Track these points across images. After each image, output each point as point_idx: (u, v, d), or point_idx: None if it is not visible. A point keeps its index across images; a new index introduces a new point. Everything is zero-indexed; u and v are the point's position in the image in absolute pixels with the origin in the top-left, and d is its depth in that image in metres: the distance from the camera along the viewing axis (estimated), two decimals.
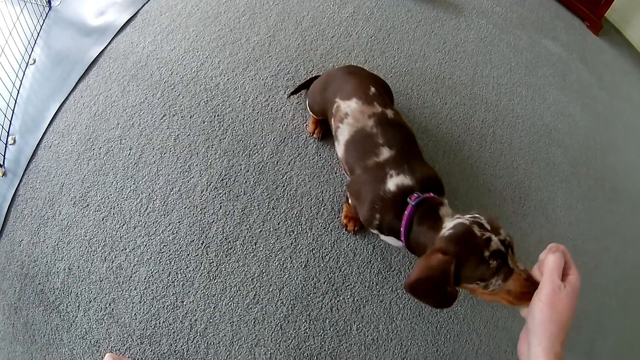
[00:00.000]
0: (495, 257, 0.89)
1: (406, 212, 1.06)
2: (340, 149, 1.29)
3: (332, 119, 1.36)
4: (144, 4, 1.98)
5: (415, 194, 1.07)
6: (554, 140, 2.00)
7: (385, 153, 1.17)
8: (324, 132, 1.65)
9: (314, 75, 1.72)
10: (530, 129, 1.99)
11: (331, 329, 1.41)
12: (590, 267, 1.73)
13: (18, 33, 1.97)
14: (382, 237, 1.21)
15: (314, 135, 1.65)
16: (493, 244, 0.89)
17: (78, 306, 1.42)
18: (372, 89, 1.32)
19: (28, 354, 1.38)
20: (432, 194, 1.08)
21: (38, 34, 2.07)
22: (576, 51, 2.43)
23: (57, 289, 1.44)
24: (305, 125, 1.72)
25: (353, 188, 1.24)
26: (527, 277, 0.88)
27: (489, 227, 0.91)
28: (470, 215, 0.95)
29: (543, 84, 2.19)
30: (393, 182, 1.11)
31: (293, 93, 1.74)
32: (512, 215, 1.73)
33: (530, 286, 0.84)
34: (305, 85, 1.72)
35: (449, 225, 0.97)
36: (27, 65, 1.93)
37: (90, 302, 1.42)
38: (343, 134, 1.26)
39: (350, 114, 1.26)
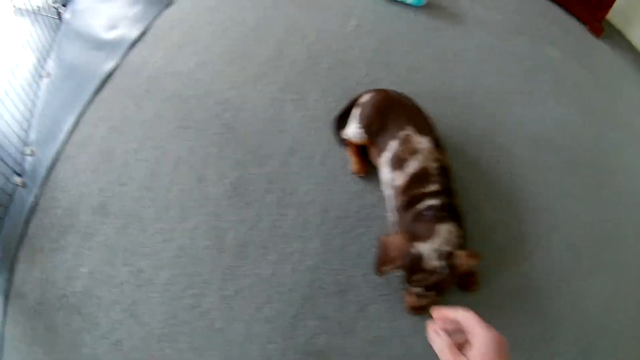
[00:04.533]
0: (411, 288, 1.46)
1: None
2: (401, 178, 1.63)
3: (394, 143, 1.71)
4: (154, 19, 2.26)
5: (431, 211, 1.53)
6: (553, 146, 2.21)
7: (433, 187, 1.57)
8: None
9: (353, 99, 1.98)
10: (530, 135, 2.21)
11: (337, 327, 1.65)
12: (592, 269, 1.93)
13: (31, 47, 2.23)
14: None
15: (361, 174, 1.91)
16: (413, 288, 1.47)
17: (99, 308, 1.65)
18: (435, 134, 1.71)
19: (49, 356, 1.61)
20: (445, 214, 1.52)
21: (51, 47, 2.32)
22: (576, 55, 2.63)
23: (79, 292, 1.68)
24: (312, 137, 1.98)
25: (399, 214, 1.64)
26: (414, 307, 1.55)
27: (428, 283, 1.42)
28: (435, 264, 1.41)
29: (542, 90, 2.41)
30: (425, 204, 1.54)
31: (339, 118, 2.02)
32: (509, 220, 1.95)
33: (408, 309, 1.58)
34: (348, 110, 1.98)
35: (424, 246, 1.43)
36: (41, 78, 2.20)
37: (111, 304, 1.66)
38: (409, 167, 1.62)
39: (421, 152, 1.63)
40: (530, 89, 2.37)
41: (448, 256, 1.40)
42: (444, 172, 1.63)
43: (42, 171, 1.93)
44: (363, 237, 1.81)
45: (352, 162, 1.91)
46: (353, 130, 1.83)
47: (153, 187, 1.85)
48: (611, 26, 2.91)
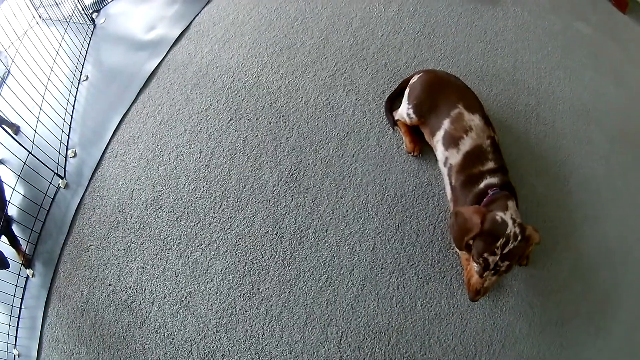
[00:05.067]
0: (484, 262, 1.58)
1: (485, 199, 1.70)
2: (457, 157, 1.82)
3: (446, 122, 1.89)
4: (195, 17, 2.49)
5: (495, 189, 1.71)
6: (592, 119, 2.39)
7: (489, 165, 1.77)
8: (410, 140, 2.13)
9: (404, 80, 2.18)
10: (570, 109, 2.39)
11: (397, 306, 1.79)
12: (635, 239, 2.10)
13: (65, 52, 2.42)
14: None
15: (414, 154, 2.08)
16: (490, 257, 1.58)
17: (152, 302, 1.79)
18: (484, 112, 1.89)
19: (95, 354, 1.74)
20: (506, 192, 1.70)
21: (86, 51, 2.58)
22: (606, 31, 2.86)
23: (130, 287, 1.82)
24: (365, 119, 2.19)
25: (455, 194, 1.83)
26: (478, 288, 1.66)
27: (505, 251, 1.58)
28: (516, 232, 1.58)
29: (578, 66, 2.61)
30: (484, 182, 1.74)
31: (391, 100, 2.22)
32: (557, 193, 2.11)
33: (481, 290, 1.68)
34: (398, 91, 2.19)
35: (503, 215, 1.60)
36: (79, 82, 2.39)
37: (165, 297, 1.79)
38: (465, 144, 1.81)
39: (474, 129, 1.82)
40: (567, 64, 2.56)
41: (522, 227, 1.55)
42: (497, 148, 1.80)
43: (87, 172, 2.10)
44: (420, 215, 1.96)
45: (405, 142, 2.06)
46: (404, 110, 1.98)
47: (208, 178, 2.00)
48: (635, 2, 3.18)
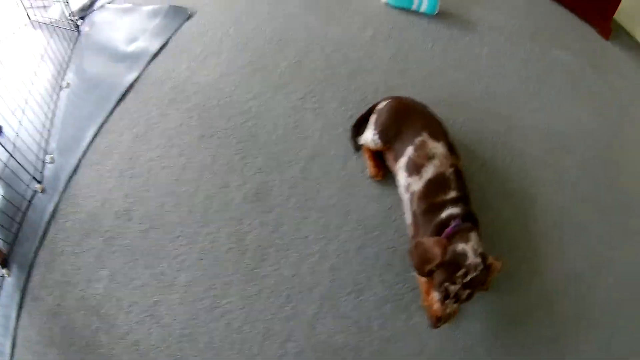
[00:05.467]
0: (445, 291, 1.56)
1: (447, 230, 1.66)
2: (419, 184, 1.80)
3: (410, 149, 1.89)
4: (175, 31, 2.48)
5: (457, 220, 1.67)
6: (564, 147, 2.38)
7: (452, 194, 1.75)
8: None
9: (371, 106, 2.17)
10: (541, 137, 2.38)
11: (355, 326, 1.78)
12: (602, 267, 2.08)
13: (50, 58, 2.41)
14: None
15: (377, 178, 2.05)
16: (451, 287, 1.55)
17: (120, 309, 1.77)
18: (449, 139, 1.87)
19: (65, 356, 1.73)
20: (469, 223, 1.67)
21: (70, 58, 2.54)
22: (586, 58, 2.82)
23: (99, 294, 1.80)
24: (331, 143, 2.14)
25: (415, 220, 1.78)
26: (439, 316, 1.60)
27: (465, 280, 1.55)
28: (476, 262, 1.56)
29: (554, 93, 2.59)
30: (446, 212, 1.70)
31: (358, 124, 2.21)
32: (522, 218, 2.10)
33: (443, 318, 1.61)
34: (365, 117, 2.17)
35: (464, 246, 1.60)
36: (61, 89, 2.37)
37: (131, 306, 1.78)
38: (427, 172, 1.79)
39: (437, 156, 1.80)
40: (542, 91, 2.55)
41: (483, 257, 1.56)
42: (460, 177, 1.78)
43: (63, 178, 2.07)
44: (380, 239, 1.95)
45: (369, 166, 2.07)
46: (370, 136, 1.99)
47: (177, 193, 1.99)
48: (619, 27, 3.11)
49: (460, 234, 1.62)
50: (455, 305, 1.58)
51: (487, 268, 1.56)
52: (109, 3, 2.70)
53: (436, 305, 1.59)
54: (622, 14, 3.00)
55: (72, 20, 2.63)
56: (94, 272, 1.86)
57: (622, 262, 2.08)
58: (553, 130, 2.37)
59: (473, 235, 1.63)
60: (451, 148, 1.84)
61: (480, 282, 1.56)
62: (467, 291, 1.54)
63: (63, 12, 2.57)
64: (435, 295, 1.59)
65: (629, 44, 3.02)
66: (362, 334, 1.78)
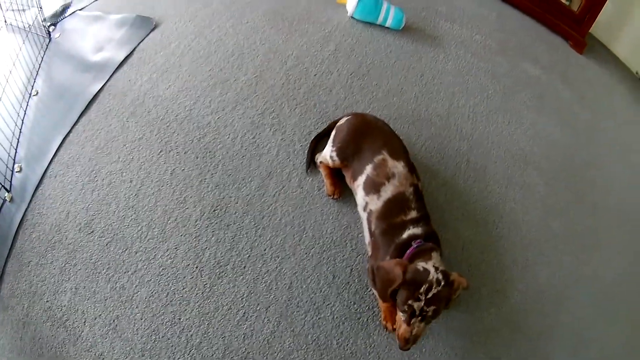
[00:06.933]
0: (410, 309, 1.34)
1: (408, 252, 1.46)
2: (377, 203, 1.59)
3: (369, 167, 1.66)
4: (140, 42, 2.16)
5: (419, 241, 1.47)
6: (529, 163, 2.17)
7: (412, 214, 1.53)
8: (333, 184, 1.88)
9: (331, 122, 1.94)
10: (505, 154, 2.17)
11: (313, 344, 1.60)
12: (569, 281, 1.91)
13: (21, 64, 2.14)
14: None
15: (334, 197, 1.83)
16: (415, 304, 1.34)
17: (84, 322, 1.58)
18: (409, 159, 1.66)
19: None
20: (431, 243, 1.49)
21: (40, 65, 2.21)
22: (557, 71, 2.58)
23: (64, 306, 1.61)
24: (289, 160, 1.92)
25: (374, 240, 1.59)
26: (407, 337, 1.38)
27: (429, 296, 1.33)
28: (438, 278, 1.35)
29: (520, 108, 2.36)
30: (407, 233, 1.50)
31: (316, 141, 1.96)
32: (485, 237, 1.91)
33: (411, 339, 1.38)
34: (324, 133, 1.94)
35: (424, 264, 1.38)
36: (30, 96, 2.11)
37: (95, 319, 1.59)
38: (386, 191, 1.57)
39: (397, 176, 1.58)
40: (508, 107, 2.33)
41: (445, 273, 1.37)
42: (420, 196, 1.59)
43: (30, 188, 1.85)
44: (337, 257, 1.75)
45: (326, 184, 1.85)
46: (328, 153, 1.77)
47: (136, 208, 1.78)
48: (595, 40, 2.85)
49: (421, 254, 1.44)
50: (422, 325, 1.39)
51: (450, 284, 1.37)
52: (80, 10, 2.34)
53: (403, 327, 1.40)
54: (599, 27, 2.76)
55: (44, 26, 2.36)
56: (59, 284, 1.64)
57: (590, 278, 1.91)
58: (519, 147, 2.19)
59: (435, 255, 1.45)
60: (411, 167, 1.65)
61: (445, 299, 1.37)
62: (432, 307, 1.34)
63: (37, 17, 2.33)
64: (401, 316, 1.41)
65: (605, 57, 2.81)
66: (321, 352, 1.59)
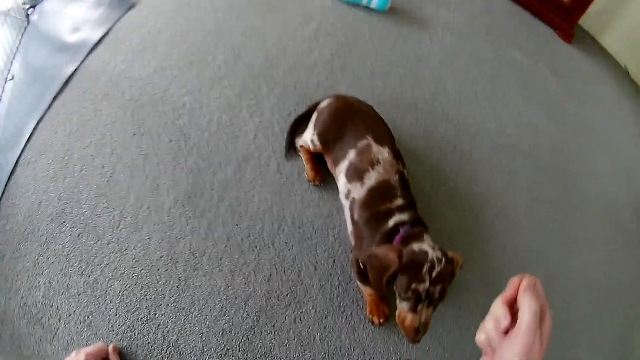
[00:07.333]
0: (415, 294, 1.13)
1: (397, 237, 1.27)
2: (360, 191, 1.39)
3: (352, 153, 1.45)
4: (116, 22, 1.93)
5: (406, 227, 1.29)
6: (516, 150, 1.99)
7: (398, 202, 1.34)
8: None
9: (312, 104, 1.72)
10: (492, 140, 1.99)
11: (295, 339, 1.44)
12: (554, 272, 1.74)
13: None
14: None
15: (315, 183, 1.65)
16: (420, 286, 1.12)
17: (59, 319, 1.43)
18: (395, 144, 1.47)
19: None
20: (419, 227, 1.32)
21: (17, 49, 1.98)
22: (544, 60, 2.39)
23: (39, 302, 1.45)
24: (267, 143, 1.68)
25: (357, 229, 1.40)
26: (417, 326, 1.14)
27: (433, 275, 1.12)
28: (438, 255, 1.15)
29: (506, 94, 2.17)
30: (393, 220, 1.31)
31: (296, 124, 1.74)
32: (471, 225, 1.73)
33: (420, 329, 1.14)
34: (305, 116, 1.73)
35: (420, 245, 1.19)
36: (5, 81, 1.91)
37: (70, 315, 1.43)
38: (370, 179, 1.38)
39: (382, 162, 1.39)
40: (495, 93, 2.13)
41: (442, 251, 1.20)
42: (406, 184, 1.42)
43: (4, 177, 1.65)
44: (319, 247, 1.58)
45: (307, 169, 1.60)
46: (309, 136, 1.53)
47: (108, 195, 1.60)
48: (583, 31, 2.69)
49: (412, 238, 1.25)
50: (429, 310, 1.17)
51: (450, 261, 1.18)
52: None
53: (409, 317, 1.18)
54: (588, 19, 2.58)
55: (24, 9, 2.11)
56: (33, 278, 1.47)
57: (579, 270, 1.73)
58: (506, 133, 1.99)
59: (427, 236, 1.27)
60: (397, 154, 1.46)
61: (448, 277, 1.17)
62: (439, 287, 1.14)
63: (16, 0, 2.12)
64: (404, 306, 1.19)
65: (593, 49, 2.62)
66: (304, 348, 1.41)
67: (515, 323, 0.64)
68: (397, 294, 1.21)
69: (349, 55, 2.07)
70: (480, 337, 0.71)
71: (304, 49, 2.05)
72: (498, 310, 0.68)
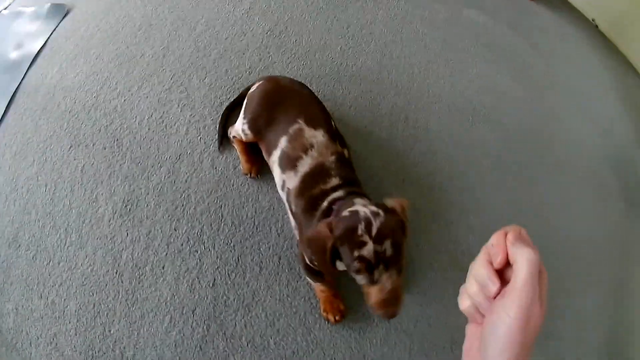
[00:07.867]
0: (361, 261, 0.90)
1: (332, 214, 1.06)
2: (295, 180, 1.19)
3: (284, 140, 1.23)
4: (52, 32, 1.68)
5: (341, 201, 1.08)
6: (479, 118, 1.72)
7: (333, 181, 1.13)
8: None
9: (245, 88, 1.50)
10: (450, 108, 1.72)
11: (249, 346, 1.27)
12: (535, 242, 1.42)
13: None
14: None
15: (252, 175, 1.45)
16: (364, 250, 0.90)
17: (30, 343, 1.31)
18: (333, 123, 1.27)
19: None
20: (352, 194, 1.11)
21: None
22: (505, 18, 2.07)
23: (11, 328, 1.33)
24: (199, 138, 1.43)
25: (298, 221, 1.20)
26: (384, 298, 0.90)
27: (373, 233, 0.90)
28: (373, 210, 0.94)
29: (464, 57, 1.89)
30: (328, 200, 1.10)
31: (228, 112, 1.52)
32: (434, 205, 1.50)
33: (390, 300, 0.90)
34: (236, 103, 1.51)
35: (349, 209, 0.97)
36: None
37: (38, 339, 1.31)
38: (304, 165, 1.17)
39: (316, 146, 1.18)
40: (450, 56, 1.84)
41: (378, 204, 0.99)
42: (344, 164, 1.20)
43: None
44: (262, 245, 1.40)
45: (242, 162, 1.38)
46: (240, 126, 1.30)
47: (53, 214, 1.46)
48: None
49: (344, 207, 1.01)
50: (393, 275, 0.92)
51: (391, 211, 0.96)
52: (5, 10, 1.79)
53: (372, 291, 0.94)
54: None
55: None
56: (2, 305, 1.34)
57: (562, 234, 1.46)
58: (466, 99, 1.72)
59: (358, 200, 1.04)
60: (334, 135, 1.23)
61: (398, 226, 0.94)
62: (387, 242, 0.90)
63: None
64: (361, 280, 0.96)
65: (557, 4, 2.23)
66: (259, 355, 1.24)
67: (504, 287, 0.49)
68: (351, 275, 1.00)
69: (284, 32, 1.81)
70: (465, 303, 0.54)
71: (236, 31, 1.80)
72: (481, 269, 0.51)
